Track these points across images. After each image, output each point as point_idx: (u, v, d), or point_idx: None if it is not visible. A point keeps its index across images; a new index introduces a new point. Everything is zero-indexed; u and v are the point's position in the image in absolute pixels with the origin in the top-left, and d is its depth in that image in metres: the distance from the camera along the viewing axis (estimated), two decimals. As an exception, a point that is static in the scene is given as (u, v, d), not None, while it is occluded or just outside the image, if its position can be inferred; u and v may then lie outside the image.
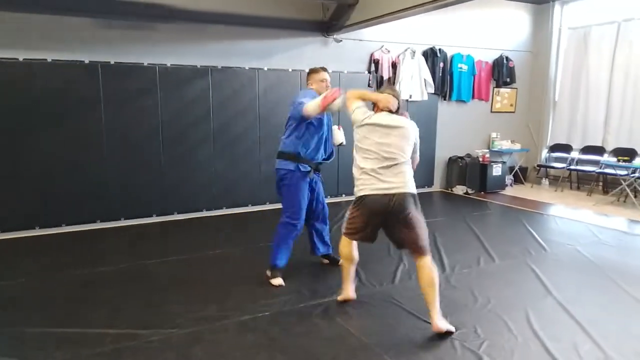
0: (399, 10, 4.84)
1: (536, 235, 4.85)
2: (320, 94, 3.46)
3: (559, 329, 2.83)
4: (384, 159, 2.84)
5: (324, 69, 3.61)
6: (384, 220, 2.88)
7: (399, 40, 6.75)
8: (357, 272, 3.74)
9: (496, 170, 7.27)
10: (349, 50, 6.41)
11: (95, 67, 4.96)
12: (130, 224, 5.30)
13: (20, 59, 4.66)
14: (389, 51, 6.70)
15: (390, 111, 2.98)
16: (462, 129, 7.55)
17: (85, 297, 3.33)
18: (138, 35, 5.17)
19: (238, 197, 5.94)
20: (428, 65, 6.98)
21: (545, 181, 7.90)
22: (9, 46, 4.61)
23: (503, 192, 7.34)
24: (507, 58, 7.69)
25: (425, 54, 7.00)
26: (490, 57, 7.61)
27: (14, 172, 4.76)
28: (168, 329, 2.82)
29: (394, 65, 6.76)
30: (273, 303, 3.19)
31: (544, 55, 7.88)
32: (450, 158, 7.50)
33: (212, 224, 5.43)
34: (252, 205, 6.03)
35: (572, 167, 7.38)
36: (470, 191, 7.18)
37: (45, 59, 4.76)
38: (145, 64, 5.21)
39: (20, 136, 4.73)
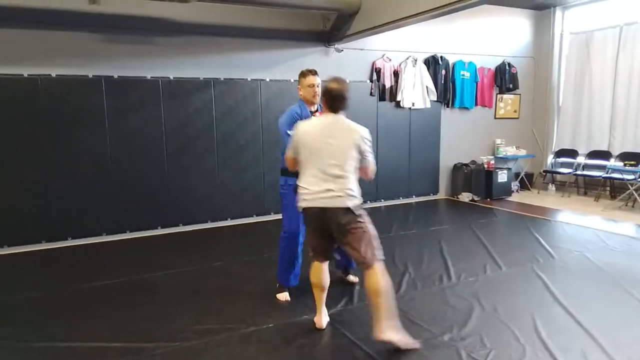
0: (399, 19, 4.85)
1: (543, 242, 4.80)
2: (308, 102, 3.31)
3: (568, 338, 2.78)
4: (322, 167, 2.62)
5: (312, 72, 3.30)
6: (326, 229, 2.70)
7: (401, 48, 6.78)
8: (361, 281, 3.74)
9: (502, 176, 7.24)
10: (350, 60, 6.43)
11: (99, 82, 5.01)
12: (135, 236, 5.32)
13: (25, 74, 4.72)
14: (390, 59, 6.71)
15: (335, 112, 2.69)
16: (466, 136, 7.53)
17: (90, 310, 3.33)
18: (141, 49, 5.22)
19: (242, 208, 5.94)
20: (430, 73, 6.99)
21: (551, 187, 7.84)
22: (14, 62, 4.68)
23: (509, 198, 7.29)
24: (509, 64, 7.69)
25: (427, 62, 7.01)
26: (492, 63, 7.61)
27: (20, 187, 4.79)
28: (172, 342, 2.80)
29: (396, 74, 6.78)
30: (277, 314, 3.17)
31: (547, 61, 7.87)
32: (455, 165, 7.47)
33: (216, 235, 5.43)
34: (256, 216, 6.03)
35: (579, 172, 7.33)
36: (476, 198, 7.14)
37: (50, 74, 4.82)
38: (149, 77, 5.26)
39: (26, 151, 4.77)
